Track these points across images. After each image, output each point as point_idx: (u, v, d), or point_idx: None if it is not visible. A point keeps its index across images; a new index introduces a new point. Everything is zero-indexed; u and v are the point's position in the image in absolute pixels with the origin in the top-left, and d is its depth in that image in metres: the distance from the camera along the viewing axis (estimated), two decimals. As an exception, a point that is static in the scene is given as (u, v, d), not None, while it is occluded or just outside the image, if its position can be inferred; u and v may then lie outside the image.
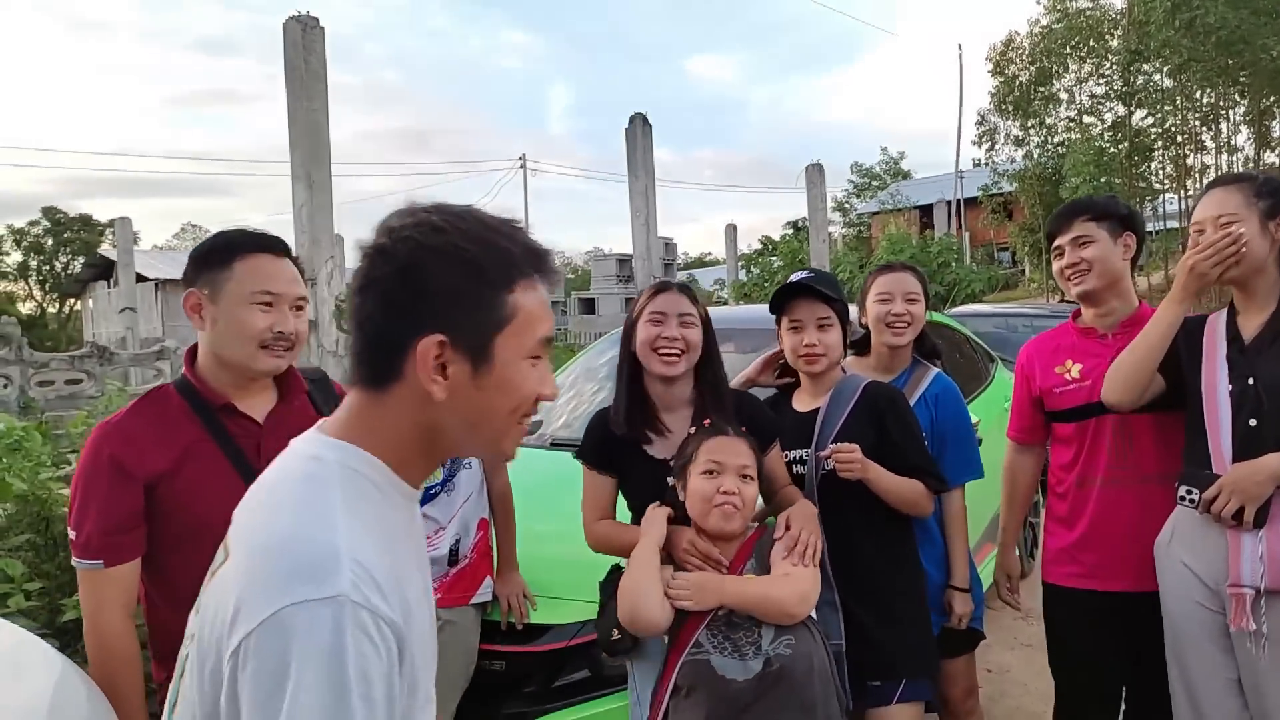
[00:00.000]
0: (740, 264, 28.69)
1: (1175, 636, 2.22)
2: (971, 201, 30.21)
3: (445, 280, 0.96)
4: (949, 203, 30.44)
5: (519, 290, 1.00)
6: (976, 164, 26.05)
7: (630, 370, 2.28)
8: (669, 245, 12.43)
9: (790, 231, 40.10)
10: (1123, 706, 2.52)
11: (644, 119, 10.96)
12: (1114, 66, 21.28)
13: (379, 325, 0.97)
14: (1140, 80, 20.95)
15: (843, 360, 2.47)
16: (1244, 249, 2.09)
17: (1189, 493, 2.13)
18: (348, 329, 1.05)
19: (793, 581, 1.96)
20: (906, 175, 44.58)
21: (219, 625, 0.90)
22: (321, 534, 0.91)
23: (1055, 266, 2.52)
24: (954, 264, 22.74)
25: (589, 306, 35.27)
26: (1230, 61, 18.35)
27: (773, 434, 2.27)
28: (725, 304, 21.37)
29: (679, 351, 2.19)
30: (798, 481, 2.30)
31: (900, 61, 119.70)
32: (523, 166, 37.07)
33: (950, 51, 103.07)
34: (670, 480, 2.13)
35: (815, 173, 15.76)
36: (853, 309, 2.63)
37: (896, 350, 2.66)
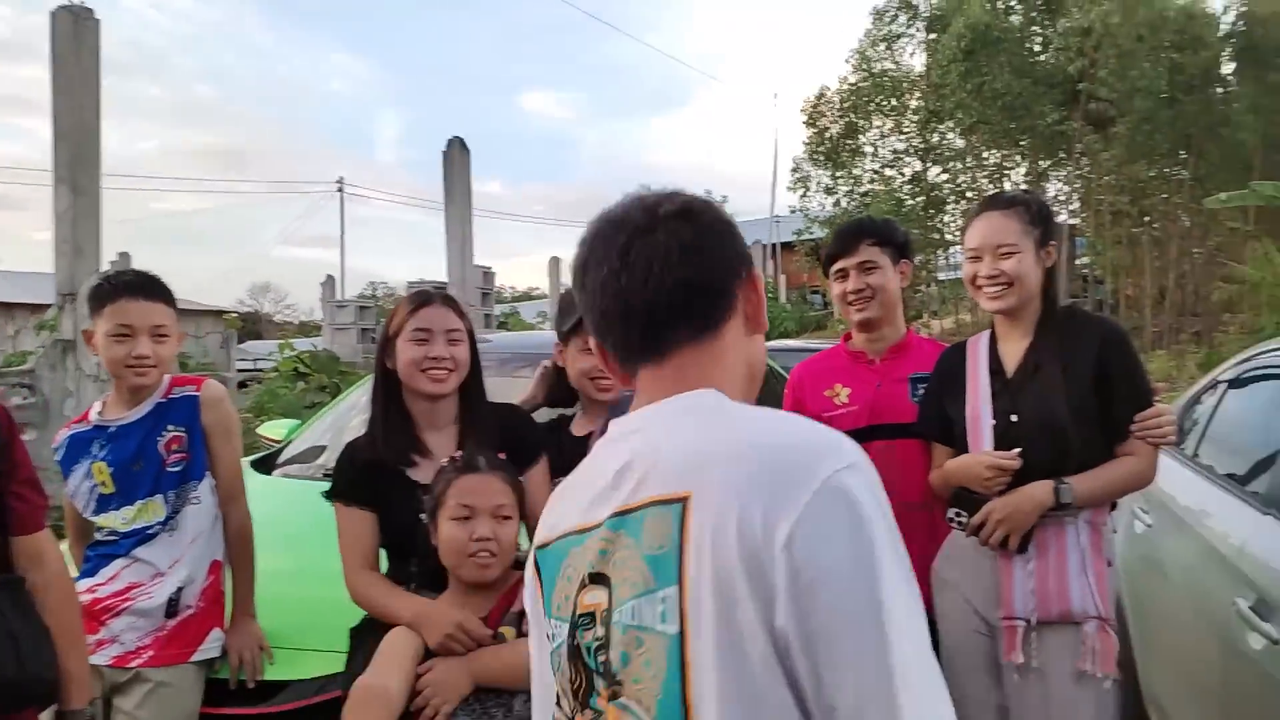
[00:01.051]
0: (565, 298, 28.47)
1: (950, 663, 2.17)
2: (787, 245, 31.54)
3: (735, 228, 1.08)
4: (765, 245, 31.70)
5: None
6: (792, 210, 27.23)
7: (387, 388, 2.07)
8: (487, 274, 12.05)
9: (617, 268, 40.63)
10: None
11: (462, 143, 10.64)
12: (913, 125, 22.85)
13: (713, 274, 1.03)
14: (936, 139, 22.59)
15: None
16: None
17: (958, 514, 2.09)
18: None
19: None
20: (728, 218, 46.16)
21: (745, 545, 0.82)
22: (795, 425, 0.93)
23: (837, 290, 2.45)
24: (769, 303, 23.62)
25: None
26: (1013, 125, 20.07)
27: (537, 450, 2.08)
28: (548, 337, 21.07)
29: (448, 370, 2.00)
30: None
31: (725, 108, 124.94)
32: (340, 190, 35.72)
33: (769, 101, 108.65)
34: (424, 516, 1.90)
35: (637, 208, 15.91)
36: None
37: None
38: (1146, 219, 20.44)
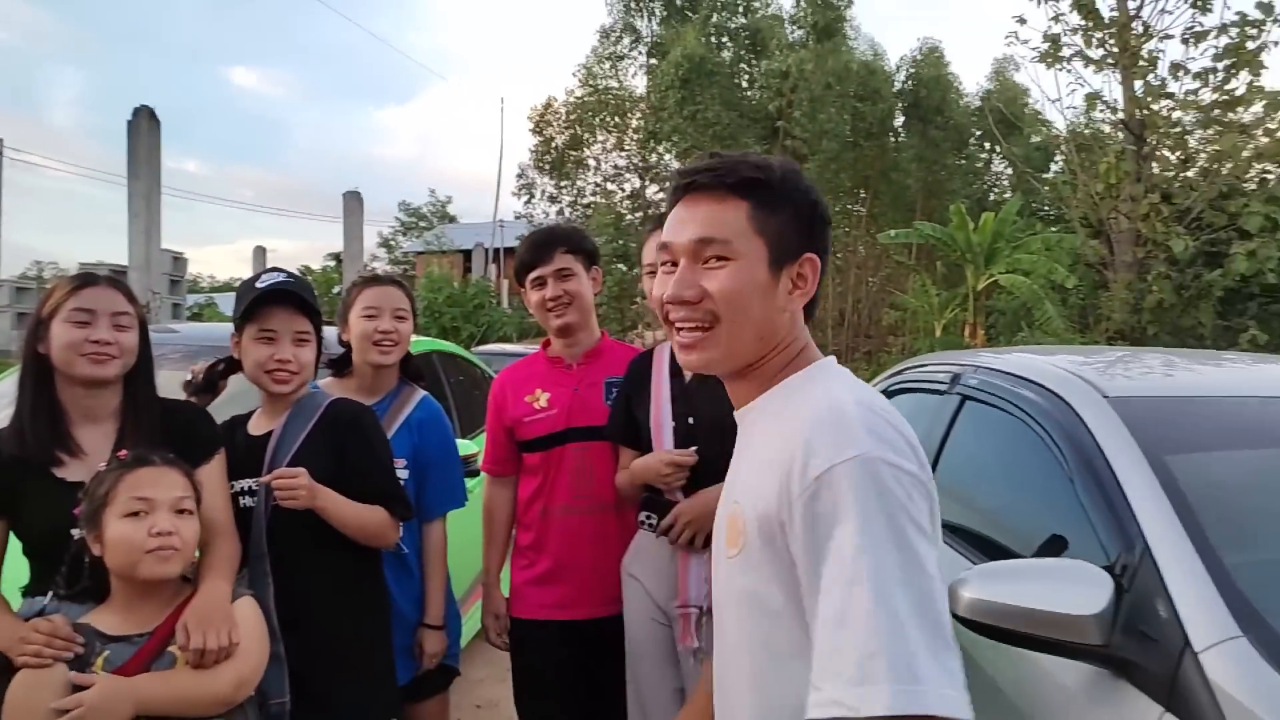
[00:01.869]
0: (272, 291, 26.66)
1: (633, 651, 2.30)
2: (510, 250, 31.74)
3: None
4: (486, 249, 31.67)
5: None
6: (517, 215, 27.42)
7: (37, 374, 1.84)
8: (178, 260, 10.91)
9: (333, 262, 38.75)
10: None
11: (150, 113, 9.59)
12: (633, 143, 23.88)
13: None
14: (654, 158, 23.77)
15: (314, 379, 2.22)
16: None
17: (648, 518, 2.21)
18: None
19: (227, 669, 1.67)
20: (453, 219, 45.59)
21: None
22: None
23: (535, 297, 2.49)
24: (489, 306, 23.65)
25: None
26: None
27: (211, 445, 1.94)
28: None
29: (111, 356, 1.81)
30: (246, 515, 1.98)
31: (453, 107, 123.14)
32: None
33: (496, 105, 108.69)
34: (76, 532, 1.70)
35: (353, 201, 15.29)
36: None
37: (381, 370, 2.47)
38: (831, 248, 22.78)
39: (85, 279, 1.88)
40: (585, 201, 24.30)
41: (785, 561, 1.04)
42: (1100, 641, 1.53)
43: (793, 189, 1.18)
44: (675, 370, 2.31)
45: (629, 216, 23.25)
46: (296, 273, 2.19)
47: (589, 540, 2.41)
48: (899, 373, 3.53)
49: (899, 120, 22.70)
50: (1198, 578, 1.53)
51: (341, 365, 2.51)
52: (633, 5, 23.82)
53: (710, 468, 2.16)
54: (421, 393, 2.54)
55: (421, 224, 45.95)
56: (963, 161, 23.62)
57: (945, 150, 22.33)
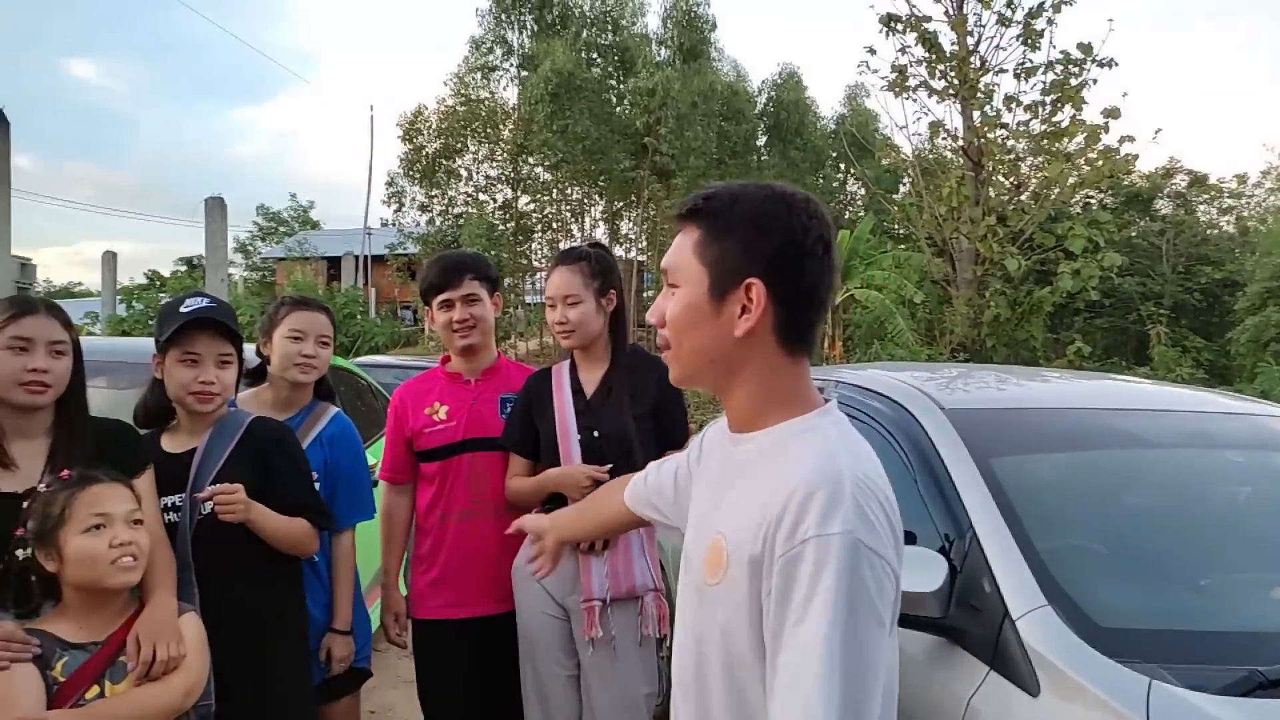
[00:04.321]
0: (120, 298, 25.37)
1: (528, 644, 2.52)
2: (379, 259, 31.04)
3: None
4: (356, 257, 30.88)
5: None
6: (385, 223, 26.87)
7: None
8: (25, 266, 10.32)
9: (184, 268, 36.86)
10: None
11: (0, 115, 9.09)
12: (504, 154, 23.85)
13: None
14: (526, 170, 23.80)
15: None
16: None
17: None
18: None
19: (176, 680, 1.81)
20: (316, 225, 44.17)
21: None
22: None
23: (442, 319, 2.67)
24: (359, 316, 23.08)
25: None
26: (593, 167, 21.87)
27: (144, 459, 2.05)
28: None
29: (45, 386, 1.89)
30: (169, 530, 2.09)
31: (315, 111, 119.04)
32: None
33: (365, 111, 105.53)
34: (22, 552, 1.78)
35: (216, 207, 14.74)
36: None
37: (298, 387, 2.61)
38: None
39: (23, 306, 1.95)
40: (456, 211, 24.09)
41: (758, 598, 1.10)
42: (938, 614, 1.82)
43: (743, 216, 1.16)
44: (576, 387, 2.55)
45: (501, 227, 23.20)
46: (219, 298, 2.31)
47: (484, 542, 2.61)
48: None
49: (761, 140, 23.58)
50: (1014, 559, 1.85)
51: (258, 376, 2.62)
52: (504, 18, 23.85)
53: (613, 478, 2.42)
54: (334, 409, 2.68)
55: (281, 229, 44.35)
56: (820, 181, 24.73)
57: (804, 170, 23.33)
